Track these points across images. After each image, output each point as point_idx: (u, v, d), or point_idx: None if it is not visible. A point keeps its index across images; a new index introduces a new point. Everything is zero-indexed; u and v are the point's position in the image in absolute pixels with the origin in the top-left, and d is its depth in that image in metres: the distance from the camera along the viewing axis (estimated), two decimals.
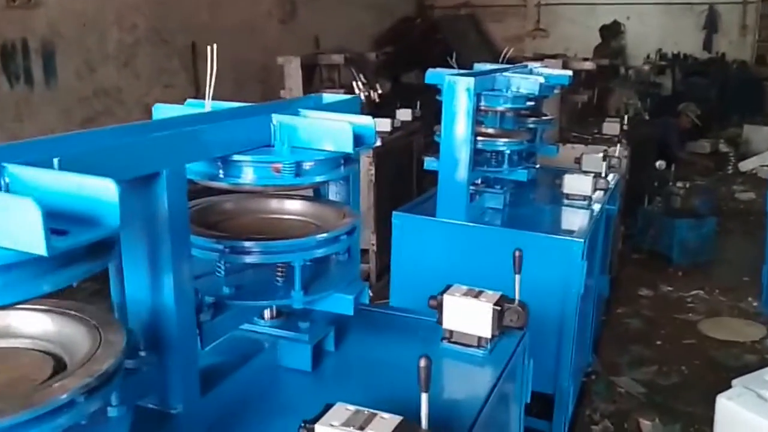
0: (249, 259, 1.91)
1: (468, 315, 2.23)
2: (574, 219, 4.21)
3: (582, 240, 3.71)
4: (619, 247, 7.07)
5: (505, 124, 4.64)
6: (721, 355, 5.56)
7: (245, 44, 10.10)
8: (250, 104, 2.12)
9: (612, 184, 4.96)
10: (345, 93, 6.48)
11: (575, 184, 4.46)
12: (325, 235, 1.97)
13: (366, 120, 2.06)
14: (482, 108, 4.09)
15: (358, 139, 1.97)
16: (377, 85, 6.53)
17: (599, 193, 4.58)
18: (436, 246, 4.01)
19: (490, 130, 4.43)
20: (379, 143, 6.12)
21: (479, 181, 4.34)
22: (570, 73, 4.81)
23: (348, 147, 1.94)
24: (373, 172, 5.96)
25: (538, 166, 5.13)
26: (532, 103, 4.29)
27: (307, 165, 1.95)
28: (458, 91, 3.78)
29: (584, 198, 4.45)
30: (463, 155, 3.86)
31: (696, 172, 10.92)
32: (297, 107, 2.22)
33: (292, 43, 10.81)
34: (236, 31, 10.08)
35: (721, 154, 12.23)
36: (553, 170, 5.16)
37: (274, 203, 2.23)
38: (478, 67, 4.85)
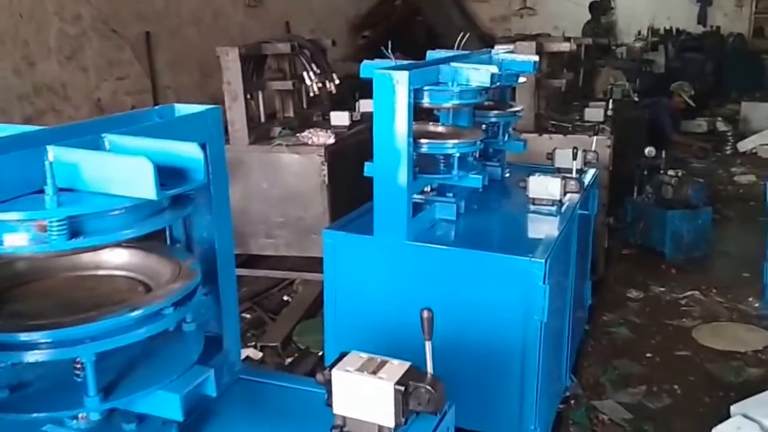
0: (24, 357, 1.42)
1: (365, 397, 1.68)
2: (540, 230, 3.60)
3: (542, 261, 3.09)
4: (606, 243, 6.44)
5: (461, 120, 4.01)
6: (719, 369, 4.94)
7: (209, 32, 9.45)
8: (32, 129, 1.52)
9: (589, 183, 4.34)
10: (295, 85, 5.85)
11: (542, 186, 3.85)
12: (134, 312, 1.49)
13: (190, 149, 1.55)
14: (425, 105, 3.46)
15: (176, 177, 1.52)
16: (333, 75, 5.88)
17: (571, 196, 3.96)
18: (374, 270, 3.41)
19: (440, 129, 3.80)
20: (331, 140, 5.49)
21: (429, 189, 3.72)
22: (535, 58, 4.18)
23: (149, 191, 1.41)
24: (325, 172, 5.34)
25: (505, 166, 4.54)
26: (484, 96, 3.65)
27: (87, 221, 1.45)
28: (391, 87, 3.16)
29: (552, 203, 3.85)
30: (401, 161, 3.24)
31: (692, 155, 10.27)
32: (120, 127, 1.71)
33: (261, 29, 10.15)
34: (197, 18, 9.43)
35: (718, 133, 11.55)
36: (525, 168, 4.57)
37: (90, 256, 1.73)
38: (432, 55, 4.24)
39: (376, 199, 3.39)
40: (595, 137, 4.93)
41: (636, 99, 8.58)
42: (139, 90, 8.61)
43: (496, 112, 4.44)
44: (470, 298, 3.24)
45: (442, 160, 3.57)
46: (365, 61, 3.55)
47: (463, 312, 3.24)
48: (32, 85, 7.47)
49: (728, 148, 11.01)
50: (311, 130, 5.64)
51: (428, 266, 3.31)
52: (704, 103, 11.90)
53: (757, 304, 5.92)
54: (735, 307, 5.94)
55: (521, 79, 4.54)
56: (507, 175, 4.67)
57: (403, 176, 3.24)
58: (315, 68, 5.67)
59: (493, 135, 4.49)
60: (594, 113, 6.71)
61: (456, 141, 3.52)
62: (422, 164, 3.48)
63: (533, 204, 3.96)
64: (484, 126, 4.30)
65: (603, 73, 8.83)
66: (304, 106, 6.28)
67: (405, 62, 3.70)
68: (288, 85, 5.73)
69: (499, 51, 4.46)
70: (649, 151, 7.06)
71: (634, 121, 7.91)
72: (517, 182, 4.11)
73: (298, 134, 5.65)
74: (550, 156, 4.62)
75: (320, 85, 5.78)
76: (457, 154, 3.49)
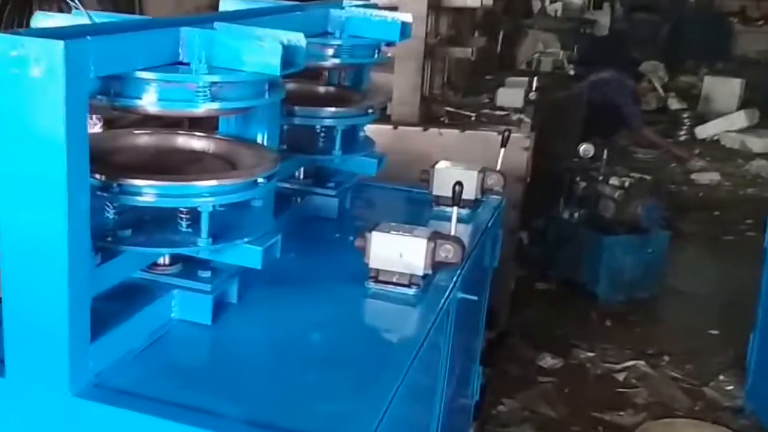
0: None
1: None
2: (380, 347, 1.92)
3: None
4: (512, 285, 4.50)
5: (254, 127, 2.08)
6: None
7: None
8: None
9: (479, 235, 2.47)
10: None
11: (391, 250, 2.03)
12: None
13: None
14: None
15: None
16: None
17: (444, 273, 2.08)
18: None
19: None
20: None
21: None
22: (405, 18, 2.47)
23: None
24: None
25: (346, 194, 2.64)
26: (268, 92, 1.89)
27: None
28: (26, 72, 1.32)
29: (410, 282, 1.91)
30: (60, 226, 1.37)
31: (636, 144, 8.30)
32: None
33: None
34: None
35: (671, 112, 9.66)
36: (383, 192, 2.99)
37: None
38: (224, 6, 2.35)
39: (5, 308, 1.47)
40: (502, 150, 2.92)
41: (571, 72, 6.60)
42: None
43: (332, 110, 2.43)
44: None
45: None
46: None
47: None
48: None
49: (683, 133, 9.03)
50: None
51: None
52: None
53: (730, 387, 4.07)
54: (698, 391, 4.09)
55: (391, 51, 3.40)
56: (348, 207, 2.72)
57: (62, 264, 1.41)
58: None
59: (328, 146, 2.51)
60: (510, 95, 4.70)
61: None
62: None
63: (375, 281, 2.05)
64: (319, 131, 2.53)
65: (530, 36, 6.78)
66: None
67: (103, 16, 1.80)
68: None
69: (356, 5, 2.48)
70: (585, 149, 5.08)
71: (566, 104, 5.93)
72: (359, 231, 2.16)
73: None
74: (425, 177, 2.72)
75: None
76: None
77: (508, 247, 4.23)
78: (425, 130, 4.09)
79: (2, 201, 1.38)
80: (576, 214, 5.06)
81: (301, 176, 2.59)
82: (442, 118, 4.36)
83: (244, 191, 1.72)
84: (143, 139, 1.95)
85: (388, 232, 2.04)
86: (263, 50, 1.59)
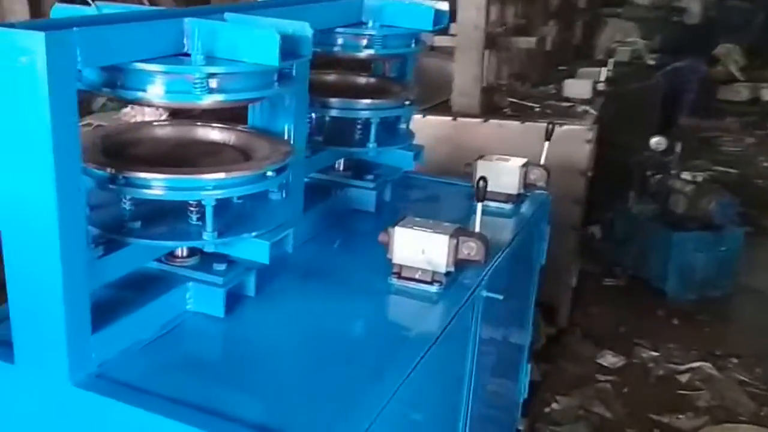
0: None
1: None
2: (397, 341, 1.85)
3: None
4: (574, 280, 4.39)
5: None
6: None
7: None
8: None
9: (515, 234, 2.43)
10: None
11: (414, 247, 2.08)
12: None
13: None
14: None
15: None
16: None
17: (471, 271, 2.09)
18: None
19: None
20: None
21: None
22: (441, 6, 2.40)
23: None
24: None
25: (386, 187, 2.62)
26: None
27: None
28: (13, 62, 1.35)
29: (432, 279, 1.94)
30: (52, 220, 1.42)
31: (724, 131, 7.96)
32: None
33: None
34: None
35: (762, 103, 9.25)
36: (428, 184, 2.94)
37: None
38: None
39: (10, 294, 1.50)
40: (546, 143, 2.85)
41: (651, 62, 6.36)
42: None
43: (366, 101, 2.41)
44: None
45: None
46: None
47: None
48: None
49: None
50: None
51: None
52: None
53: None
54: (765, 396, 3.92)
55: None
56: (388, 200, 2.69)
57: (54, 254, 1.41)
58: None
59: (364, 138, 2.49)
60: (577, 86, 4.60)
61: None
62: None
63: (398, 277, 2.03)
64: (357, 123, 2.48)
65: (609, 26, 6.57)
66: None
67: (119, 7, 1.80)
68: None
69: None
70: (656, 142, 4.90)
71: (641, 95, 5.74)
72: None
73: None
74: (469, 170, 2.66)
75: None
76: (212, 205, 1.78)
77: (570, 243, 4.15)
78: (485, 121, 4.03)
79: (2, 193, 1.42)
80: (646, 209, 4.89)
81: (341, 168, 2.59)
82: (504, 110, 4.28)
83: (250, 184, 1.72)
84: (165, 130, 1.98)
85: (412, 227, 2.01)
86: (260, 41, 1.59)
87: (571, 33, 6.16)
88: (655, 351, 4.26)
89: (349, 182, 2.55)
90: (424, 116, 4.01)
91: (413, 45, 2.47)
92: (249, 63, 1.61)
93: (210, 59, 1.63)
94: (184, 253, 1.86)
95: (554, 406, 3.77)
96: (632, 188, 4.97)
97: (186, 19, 1.64)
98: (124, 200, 1.73)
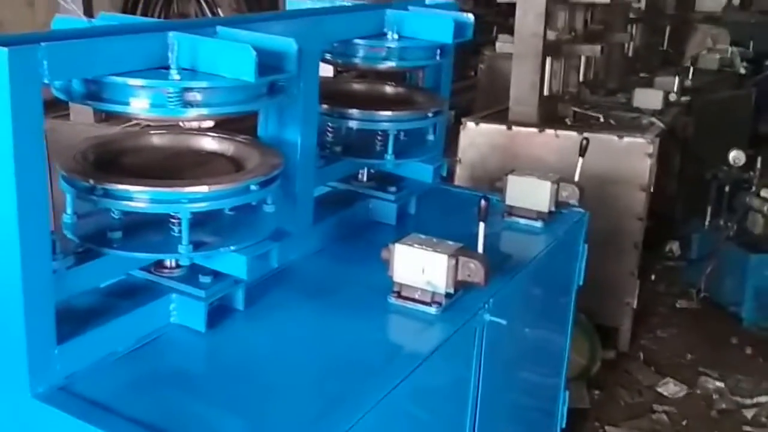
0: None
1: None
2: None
3: None
4: (635, 300, 4.14)
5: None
6: None
7: None
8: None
9: (540, 254, 2.32)
10: None
11: (413, 266, 2.01)
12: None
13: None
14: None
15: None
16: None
17: (475, 292, 2.04)
18: None
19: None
20: None
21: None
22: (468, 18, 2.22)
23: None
24: None
25: (411, 199, 2.54)
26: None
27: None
28: None
29: (431, 300, 1.96)
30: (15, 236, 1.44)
31: None
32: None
33: None
34: None
35: None
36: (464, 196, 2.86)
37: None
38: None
39: None
40: (580, 159, 2.69)
41: (742, 70, 6.01)
42: None
43: (385, 113, 2.33)
44: None
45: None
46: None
47: None
48: None
49: None
50: None
51: None
52: None
53: None
54: None
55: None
56: (413, 212, 2.61)
57: (15, 264, 1.44)
58: None
59: (381, 148, 2.42)
60: (648, 96, 4.38)
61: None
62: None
63: (398, 296, 1.95)
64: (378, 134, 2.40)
65: (699, 32, 6.26)
66: None
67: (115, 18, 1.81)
68: None
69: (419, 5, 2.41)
70: (735, 156, 4.61)
71: (728, 107, 5.43)
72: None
73: None
74: (500, 186, 2.58)
75: None
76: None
77: (630, 262, 3.95)
78: (541, 131, 3.87)
79: None
80: (722, 229, 4.61)
81: (365, 178, 2.51)
82: (566, 119, 4.11)
83: (227, 198, 1.68)
84: (162, 139, 1.95)
85: (412, 245, 1.92)
86: (237, 56, 1.58)
87: (658, 39, 5.90)
88: (722, 382, 4.01)
89: (371, 193, 2.48)
90: (477, 124, 3.90)
91: (438, 56, 2.37)
92: (229, 78, 1.60)
93: (192, 73, 1.61)
94: (173, 264, 1.83)
95: None
96: (708, 207, 4.69)
97: (170, 33, 1.63)
98: (113, 210, 1.72)
